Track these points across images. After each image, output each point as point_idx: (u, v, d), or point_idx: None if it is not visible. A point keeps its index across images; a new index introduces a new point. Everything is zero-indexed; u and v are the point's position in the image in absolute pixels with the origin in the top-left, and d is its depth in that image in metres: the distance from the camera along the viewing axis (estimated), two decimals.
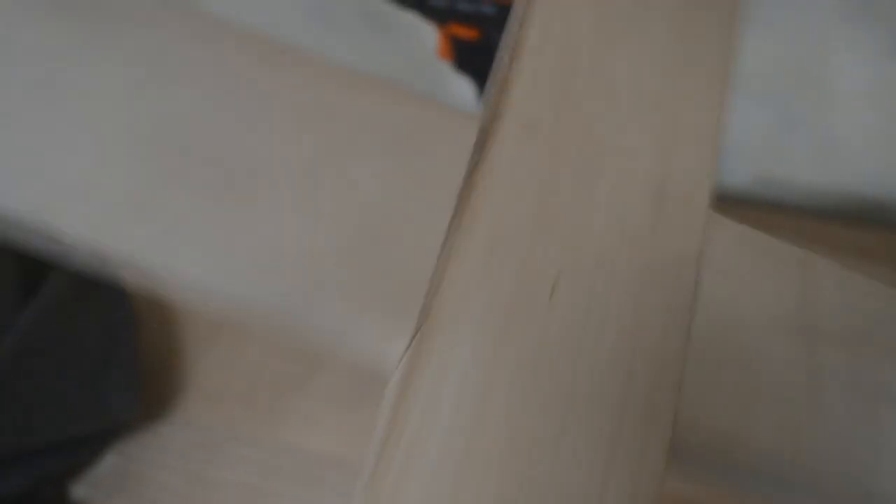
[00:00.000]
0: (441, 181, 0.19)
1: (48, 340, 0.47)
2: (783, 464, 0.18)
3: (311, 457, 0.48)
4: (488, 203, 0.18)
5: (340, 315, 0.18)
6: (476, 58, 0.44)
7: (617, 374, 0.17)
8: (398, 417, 0.16)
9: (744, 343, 0.21)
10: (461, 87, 0.66)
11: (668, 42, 0.21)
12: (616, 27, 0.20)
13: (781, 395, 0.20)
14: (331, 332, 0.19)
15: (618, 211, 0.19)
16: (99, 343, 0.49)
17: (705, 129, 0.20)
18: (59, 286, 0.49)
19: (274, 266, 0.18)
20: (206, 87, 0.19)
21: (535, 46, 0.20)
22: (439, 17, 0.42)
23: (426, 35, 0.51)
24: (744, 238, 0.22)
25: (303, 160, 0.19)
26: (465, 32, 0.42)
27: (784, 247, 0.22)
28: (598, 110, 0.20)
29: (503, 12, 0.39)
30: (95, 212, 0.18)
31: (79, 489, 0.48)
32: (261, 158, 0.19)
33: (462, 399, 0.16)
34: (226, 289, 0.18)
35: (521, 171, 0.19)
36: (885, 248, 0.55)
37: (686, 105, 0.20)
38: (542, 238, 0.18)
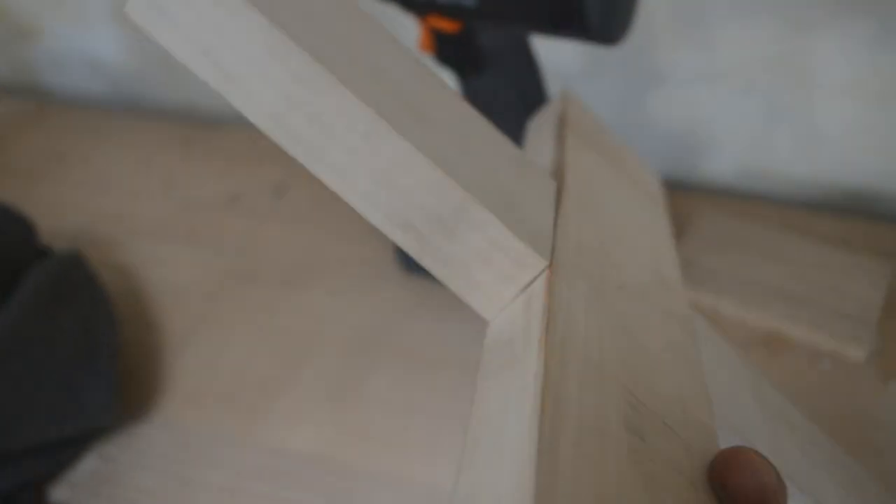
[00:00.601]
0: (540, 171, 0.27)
1: (25, 343, 0.46)
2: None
3: (292, 457, 0.47)
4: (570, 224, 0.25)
5: (495, 226, 0.22)
6: (457, 50, 0.43)
7: (666, 327, 0.24)
8: (544, 320, 0.21)
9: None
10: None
11: (632, 192, 0.31)
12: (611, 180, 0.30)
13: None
14: (482, 240, 0.22)
15: (639, 278, 0.25)
16: (77, 345, 0.49)
17: (669, 242, 0.29)
18: (37, 288, 0.49)
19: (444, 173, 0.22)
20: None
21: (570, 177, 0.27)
22: (419, 9, 0.42)
23: (407, 28, 0.51)
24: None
25: (461, 121, 0.24)
26: (446, 25, 0.42)
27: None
28: (614, 224, 0.28)
29: (483, 5, 0.39)
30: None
31: (58, 491, 0.48)
32: (433, 106, 0.23)
33: (586, 313, 0.22)
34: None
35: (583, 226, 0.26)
36: (866, 237, 0.55)
37: (654, 228, 0.30)
38: (607, 263, 0.25)
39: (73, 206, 0.67)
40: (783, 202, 0.63)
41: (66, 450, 0.48)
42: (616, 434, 0.18)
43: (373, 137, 0.21)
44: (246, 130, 0.72)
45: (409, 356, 0.52)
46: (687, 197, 0.60)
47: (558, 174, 0.27)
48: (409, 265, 0.56)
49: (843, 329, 0.49)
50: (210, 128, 0.73)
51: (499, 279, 0.23)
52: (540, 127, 0.34)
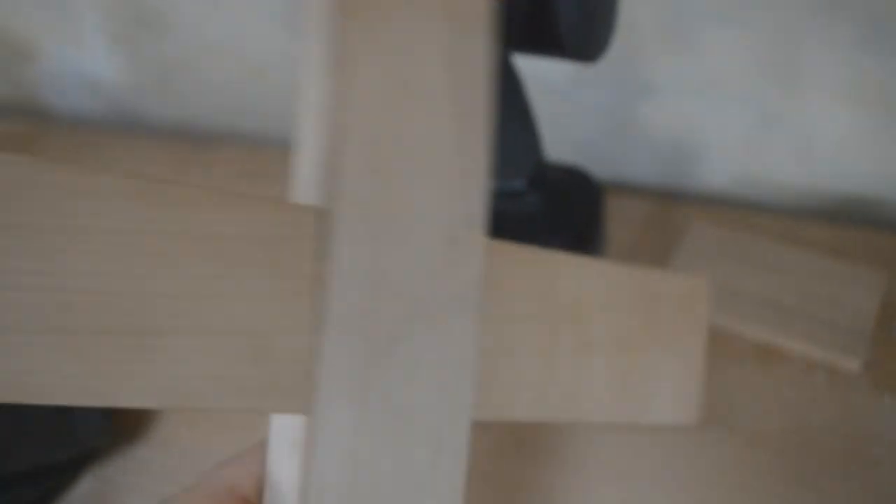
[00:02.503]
0: None
1: None
2: None
3: None
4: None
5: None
6: None
7: None
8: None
9: None
10: None
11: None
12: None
13: None
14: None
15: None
16: None
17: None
18: None
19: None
20: None
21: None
22: None
23: None
24: None
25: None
26: None
27: None
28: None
29: None
30: None
31: None
32: None
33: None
34: None
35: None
36: (862, 245, 0.55)
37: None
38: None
39: None
40: (777, 210, 0.62)
41: (61, 473, 0.48)
42: None
43: None
44: (243, 147, 0.72)
45: None
46: (680, 206, 0.60)
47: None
48: None
49: (837, 340, 0.48)
50: (207, 145, 0.73)
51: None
52: None
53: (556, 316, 0.27)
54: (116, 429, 0.50)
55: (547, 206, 0.51)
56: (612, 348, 0.28)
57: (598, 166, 0.59)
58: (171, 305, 0.20)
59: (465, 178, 0.24)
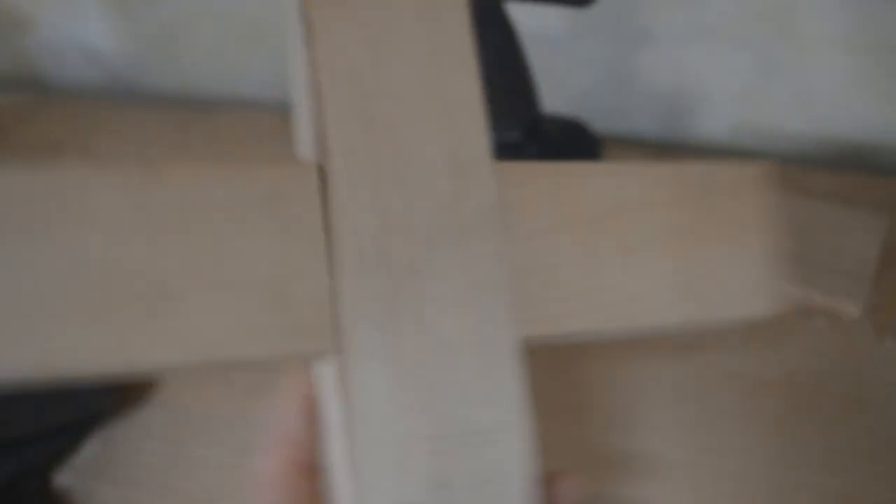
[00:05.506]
0: None
1: None
2: None
3: None
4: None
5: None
6: None
7: None
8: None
9: None
10: None
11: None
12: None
13: None
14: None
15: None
16: None
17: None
18: None
19: None
20: None
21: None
22: None
23: None
24: None
25: None
26: None
27: None
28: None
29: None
30: None
31: (63, 477, 0.49)
32: None
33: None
34: None
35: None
36: (862, 190, 0.54)
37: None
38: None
39: None
40: (777, 158, 0.62)
41: (68, 435, 0.49)
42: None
43: None
44: (243, 112, 0.72)
45: None
46: (679, 157, 0.60)
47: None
48: None
49: (837, 285, 0.48)
50: (207, 111, 0.73)
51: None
52: None
53: (588, 222, 0.27)
54: (122, 392, 0.51)
55: (545, 158, 0.51)
56: (664, 246, 0.28)
57: (597, 118, 0.58)
58: (186, 266, 0.21)
59: (457, 110, 0.25)
